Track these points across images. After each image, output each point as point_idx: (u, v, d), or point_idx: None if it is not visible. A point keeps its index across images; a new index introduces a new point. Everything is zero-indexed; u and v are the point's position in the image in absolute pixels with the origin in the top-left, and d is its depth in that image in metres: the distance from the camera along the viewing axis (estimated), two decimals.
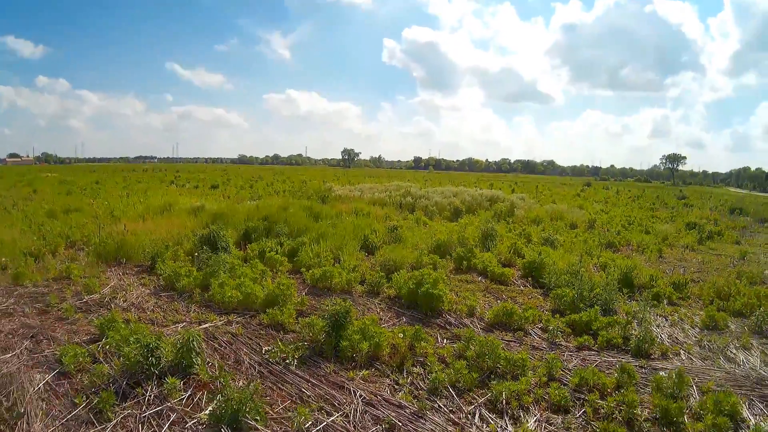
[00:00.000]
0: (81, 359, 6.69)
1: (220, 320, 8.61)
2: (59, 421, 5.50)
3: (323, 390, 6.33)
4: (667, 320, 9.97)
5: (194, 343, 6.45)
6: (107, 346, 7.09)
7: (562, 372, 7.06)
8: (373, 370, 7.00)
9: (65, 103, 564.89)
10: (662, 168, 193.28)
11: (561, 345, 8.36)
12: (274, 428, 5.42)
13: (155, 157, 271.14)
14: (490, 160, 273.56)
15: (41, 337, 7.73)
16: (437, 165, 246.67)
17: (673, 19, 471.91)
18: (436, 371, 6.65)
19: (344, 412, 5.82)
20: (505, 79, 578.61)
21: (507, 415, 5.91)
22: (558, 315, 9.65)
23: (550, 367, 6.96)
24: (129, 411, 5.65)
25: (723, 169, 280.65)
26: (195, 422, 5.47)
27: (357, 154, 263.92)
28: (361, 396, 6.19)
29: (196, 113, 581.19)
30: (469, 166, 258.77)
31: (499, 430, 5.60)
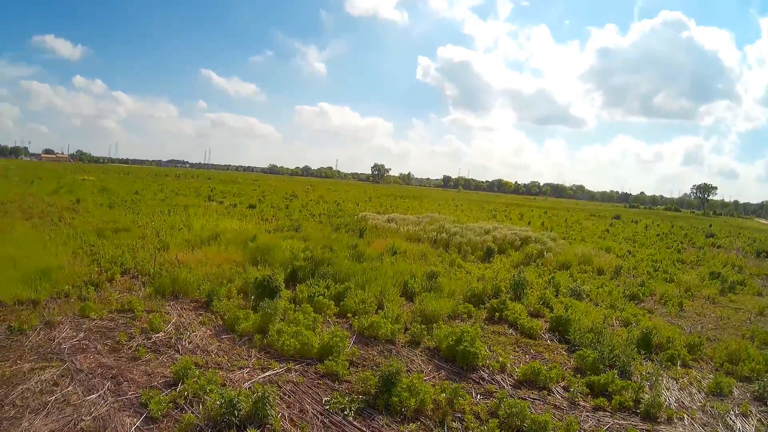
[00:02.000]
0: (164, 404, 7.50)
1: (280, 367, 9.38)
2: None
3: None
4: (677, 383, 10.55)
5: (270, 397, 7.30)
6: (186, 393, 7.90)
7: None
8: (419, 423, 7.79)
9: (100, 104, 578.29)
10: (693, 197, 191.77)
11: (580, 405, 9.07)
12: None
13: (187, 162, 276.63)
14: (519, 182, 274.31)
15: (121, 379, 8.48)
16: (466, 185, 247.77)
17: (710, 45, 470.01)
18: (472, 428, 7.55)
19: None
20: (538, 102, 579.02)
21: None
22: (579, 375, 10.34)
23: (567, 429, 7.75)
24: None
25: (755, 199, 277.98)
26: None
27: (387, 170, 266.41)
28: None
29: (229, 121, 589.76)
30: (498, 187, 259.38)
31: None
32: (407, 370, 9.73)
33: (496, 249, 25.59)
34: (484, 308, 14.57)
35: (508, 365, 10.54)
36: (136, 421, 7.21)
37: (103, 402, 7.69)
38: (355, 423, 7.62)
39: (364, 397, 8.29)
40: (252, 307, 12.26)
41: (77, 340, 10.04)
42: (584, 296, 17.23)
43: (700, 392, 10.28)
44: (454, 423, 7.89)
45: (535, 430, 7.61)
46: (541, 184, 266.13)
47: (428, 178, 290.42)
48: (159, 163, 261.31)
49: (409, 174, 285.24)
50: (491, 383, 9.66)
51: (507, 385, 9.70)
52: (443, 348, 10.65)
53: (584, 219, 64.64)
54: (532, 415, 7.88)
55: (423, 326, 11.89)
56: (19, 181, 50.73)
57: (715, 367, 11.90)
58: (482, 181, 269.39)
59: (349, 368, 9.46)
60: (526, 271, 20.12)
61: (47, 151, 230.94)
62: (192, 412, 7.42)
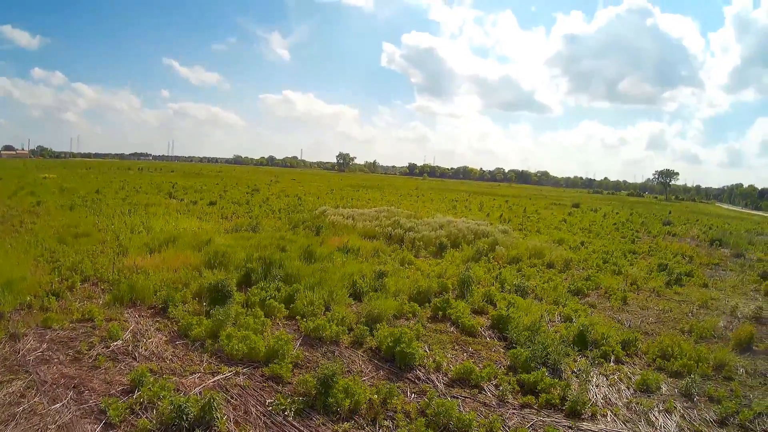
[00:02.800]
0: (121, 411, 8.29)
1: (229, 371, 10.16)
2: None
3: None
4: (606, 380, 11.22)
5: (215, 402, 8.19)
6: (141, 399, 8.68)
7: (502, 429, 8.73)
8: (353, 422, 8.67)
9: (60, 96, 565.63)
10: (655, 182, 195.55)
11: (508, 402, 9.91)
12: None
13: (150, 155, 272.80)
14: (484, 168, 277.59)
15: (82, 388, 9.18)
16: (432, 172, 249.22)
17: (674, 33, 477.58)
18: (402, 426, 8.48)
19: None
20: (503, 88, 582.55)
21: None
22: (512, 373, 11.13)
23: (491, 427, 8.68)
24: None
25: (716, 184, 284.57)
26: None
27: (352, 159, 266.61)
28: None
29: (192, 111, 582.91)
30: (464, 174, 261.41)
31: None
32: (348, 371, 10.62)
33: (449, 244, 26.41)
34: (429, 307, 15.35)
35: (444, 364, 11.34)
36: (97, 428, 7.99)
37: (66, 411, 8.43)
38: (294, 423, 8.50)
39: (304, 398, 9.12)
40: (205, 312, 13.00)
41: (41, 352, 10.67)
42: (529, 292, 18.09)
43: (628, 389, 10.90)
44: (385, 422, 8.76)
45: (460, 428, 8.53)
46: (506, 170, 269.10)
47: (394, 166, 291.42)
48: (122, 156, 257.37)
49: (374, 162, 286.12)
50: (426, 383, 10.49)
51: (441, 384, 10.53)
52: (383, 348, 11.50)
53: (544, 208, 66.02)
54: (458, 414, 8.80)
55: (366, 327, 12.72)
56: None
57: (648, 362, 12.56)
58: (447, 168, 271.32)
59: (293, 370, 10.29)
60: (477, 266, 21.33)
61: (7, 147, 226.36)
62: (146, 418, 8.23)
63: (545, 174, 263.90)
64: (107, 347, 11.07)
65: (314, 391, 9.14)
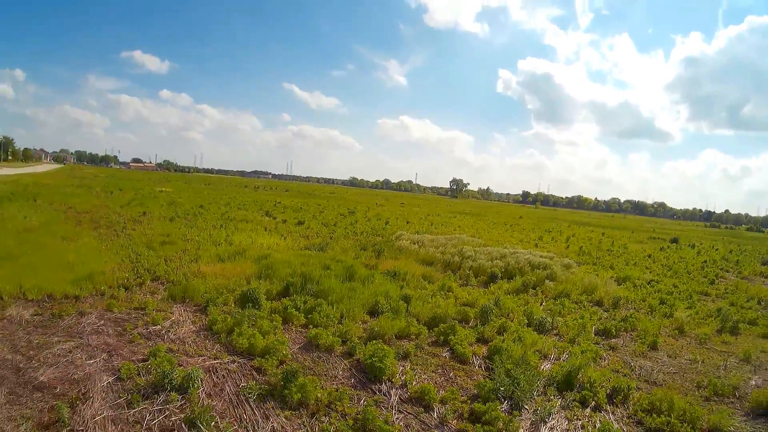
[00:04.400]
0: (131, 371, 11.12)
1: (227, 359, 12.63)
2: (107, 404, 9.83)
3: (256, 417, 10.19)
4: (568, 423, 11.10)
5: (194, 375, 10.76)
6: (149, 366, 11.42)
7: None
8: (297, 412, 10.54)
9: (187, 116, 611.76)
10: None
11: (448, 425, 10.70)
12: None
13: (270, 173, 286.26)
14: (599, 198, 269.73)
15: (114, 353, 12.19)
16: (545, 201, 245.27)
17: None
18: (333, 422, 10.25)
19: None
20: (622, 115, 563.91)
21: None
22: (470, 401, 11.69)
23: None
24: (145, 406, 9.94)
25: None
26: (177, 419, 9.60)
27: (465, 185, 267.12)
28: (272, 425, 9.98)
29: (310, 133, 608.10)
30: (578, 203, 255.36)
31: None
32: (324, 375, 12.50)
33: (500, 275, 27.06)
34: (436, 331, 16.26)
35: (412, 383, 12.41)
36: (110, 379, 10.89)
37: (95, 365, 11.45)
38: (252, 404, 10.65)
39: (268, 388, 11.23)
40: (232, 315, 15.46)
41: (97, 326, 13.88)
42: (550, 328, 18.09)
43: None
44: (323, 417, 10.48)
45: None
46: (622, 201, 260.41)
47: (508, 194, 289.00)
48: (243, 173, 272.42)
49: (488, 189, 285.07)
50: (383, 396, 11.77)
51: (395, 398, 11.70)
52: (362, 360, 13.13)
53: (637, 242, 63.26)
54: (382, 424, 10.12)
55: (361, 341, 14.51)
56: (99, 192, 56.50)
57: (630, 415, 11.82)
58: (562, 197, 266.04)
59: (278, 366, 12.39)
60: (514, 298, 21.91)
61: (135, 160, 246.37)
62: (144, 378, 10.95)
63: (662, 205, 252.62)
64: (146, 329, 14.02)
65: (278, 384, 11.20)
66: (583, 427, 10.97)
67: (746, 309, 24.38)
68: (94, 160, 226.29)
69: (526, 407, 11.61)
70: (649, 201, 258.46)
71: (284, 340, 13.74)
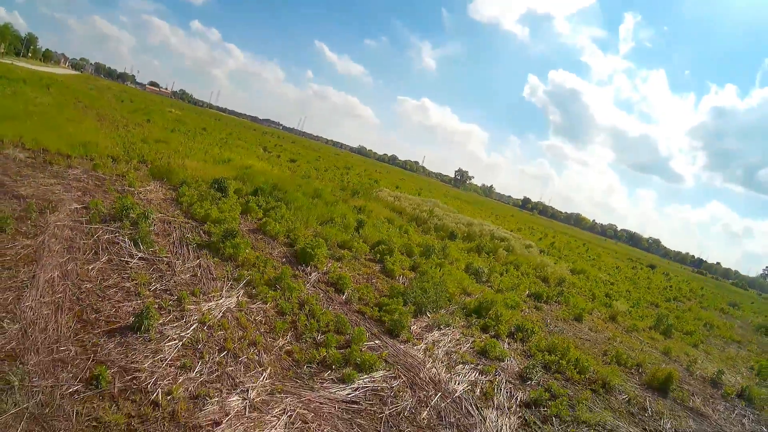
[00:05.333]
0: (98, 205, 13.08)
1: (182, 219, 14.65)
2: (69, 218, 11.92)
3: (190, 257, 12.22)
4: (458, 335, 12.74)
5: (149, 214, 12.98)
6: (114, 204, 13.46)
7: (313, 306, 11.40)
8: (224, 261, 12.47)
9: (213, 52, 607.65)
10: (766, 279, 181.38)
11: (350, 305, 12.56)
12: (148, 252, 11.53)
13: (281, 125, 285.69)
14: (597, 221, 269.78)
15: (88, 194, 14.28)
16: (543, 211, 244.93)
17: None
18: (250, 272, 12.21)
19: (183, 261, 11.80)
20: (639, 147, 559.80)
21: (251, 298, 11.31)
22: (385, 298, 13.33)
23: (305, 299, 12.21)
24: (100, 226, 12.04)
25: None
26: (120, 237, 11.70)
27: (470, 177, 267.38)
28: (201, 263, 12.03)
29: (331, 95, 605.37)
30: (575, 221, 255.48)
31: (235, 298, 11.37)
32: (264, 252, 14.29)
33: (460, 235, 28.61)
34: (375, 251, 18.08)
35: (333, 272, 14.35)
36: (78, 206, 12.98)
37: (68, 197, 13.54)
38: (190, 249, 12.67)
39: (208, 242, 13.25)
40: (198, 195, 17.36)
41: (80, 177, 15.98)
42: (484, 279, 19.99)
43: (472, 349, 12.14)
44: (245, 270, 12.28)
45: (283, 288, 11.75)
46: (619, 228, 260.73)
47: (510, 196, 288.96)
48: (255, 119, 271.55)
49: (491, 187, 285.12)
50: (305, 274, 13.68)
51: (314, 277, 13.67)
52: (298, 249, 14.89)
53: (613, 258, 64.50)
54: (289, 281, 12.12)
55: (306, 236, 16.39)
56: (111, 98, 57.83)
57: (526, 349, 13.34)
58: (561, 212, 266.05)
59: (221, 233, 14.00)
60: (467, 255, 23.78)
61: (152, 84, 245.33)
62: (107, 211, 13.03)
63: (657, 242, 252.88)
64: (122, 188, 16.08)
65: (216, 240, 13.24)
66: (472, 342, 12.52)
67: (689, 324, 25.51)
68: (111, 74, 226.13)
69: (428, 315, 13.47)
70: (646, 235, 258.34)
71: (236, 217, 15.85)
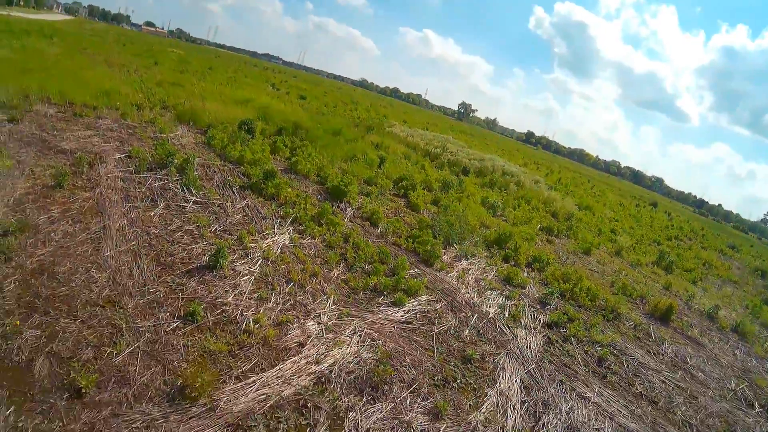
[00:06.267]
0: (140, 154, 13.54)
1: (220, 163, 15.14)
2: (118, 168, 12.42)
3: (236, 197, 12.90)
4: (484, 263, 14.01)
5: (192, 159, 13.44)
6: (155, 152, 13.86)
7: (364, 246, 12.26)
8: (268, 201, 13.26)
9: None
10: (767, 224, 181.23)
11: (386, 238, 13.65)
12: (199, 195, 12.16)
13: (280, 59, 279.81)
14: (600, 157, 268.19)
15: (125, 143, 14.64)
16: (547, 146, 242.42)
17: None
18: (294, 210, 12.96)
19: (233, 203, 12.46)
20: (646, 84, 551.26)
21: (300, 234, 12.16)
22: (410, 229, 14.70)
23: (349, 233, 12.97)
24: (147, 174, 12.58)
25: None
26: (171, 184, 12.27)
27: (473, 111, 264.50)
28: (248, 202, 12.76)
29: (332, 28, 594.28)
30: (578, 157, 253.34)
31: (287, 234, 12.08)
32: (300, 189, 14.96)
33: (472, 170, 29.37)
34: (399, 186, 18.97)
35: (365, 207, 15.26)
36: (121, 155, 13.45)
37: (109, 147, 13.96)
38: (234, 190, 13.33)
39: (250, 182, 13.88)
40: (228, 136, 17.77)
41: (112, 127, 16.20)
42: (499, 212, 21.01)
43: (495, 276, 13.43)
44: (288, 208, 13.11)
45: (327, 224, 12.71)
46: (622, 165, 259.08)
47: (513, 130, 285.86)
48: (254, 54, 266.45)
49: (494, 120, 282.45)
50: (341, 210, 14.55)
51: (349, 213, 14.59)
52: (330, 186, 15.58)
53: (616, 194, 64.52)
54: (331, 216, 13.06)
55: (335, 172, 17.09)
56: (112, 42, 56.69)
57: (542, 278, 14.63)
58: (564, 147, 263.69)
59: (261, 175, 14.64)
60: (481, 189, 24.60)
61: (148, 24, 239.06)
62: (150, 158, 13.47)
63: (660, 181, 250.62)
64: (154, 135, 16.37)
65: (257, 180, 13.85)
66: (496, 271, 13.85)
67: (689, 261, 26.50)
68: (105, 16, 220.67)
69: (455, 246, 14.60)
70: (649, 173, 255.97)
71: (270, 158, 16.39)
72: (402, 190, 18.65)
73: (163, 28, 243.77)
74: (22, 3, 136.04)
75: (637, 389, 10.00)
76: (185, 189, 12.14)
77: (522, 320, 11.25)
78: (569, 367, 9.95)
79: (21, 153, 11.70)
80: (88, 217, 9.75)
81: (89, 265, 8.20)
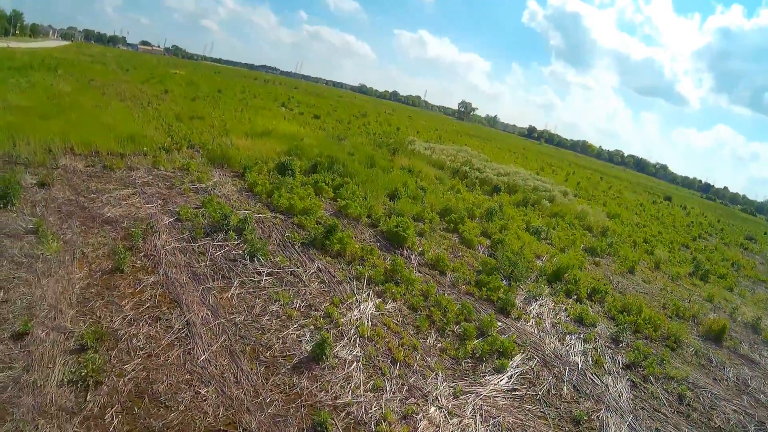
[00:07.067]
0: (189, 214, 12.56)
1: (270, 215, 14.20)
2: (173, 238, 11.37)
3: (302, 259, 11.94)
4: (552, 304, 13.42)
5: (249, 219, 12.36)
6: (204, 211, 12.90)
7: (435, 295, 11.78)
8: (336, 259, 12.41)
9: (202, 3, 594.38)
10: None
11: (458, 288, 12.94)
12: (268, 264, 11.19)
13: (278, 69, 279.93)
14: (603, 147, 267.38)
15: (168, 201, 13.66)
16: (549, 139, 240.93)
17: None
18: (367, 270, 12.04)
19: (305, 269, 11.48)
20: (644, 70, 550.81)
21: (381, 298, 11.17)
22: (476, 273, 13.97)
23: (428, 291, 11.96)
24: (206, 241, 11.53)
25: None
26: (235, 253, 11.30)
27: (474, 109, 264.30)
28: (318, 266, 11.75)
29: (327, 35, 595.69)
30: (582, 149, 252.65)
31: (370, 302, 10.85)
32: (357, 237, 14.17)
33: (504, 188, 28.69)
34: (447, 219, 18.16)
35: (428, 253, 14.47)
36: (171, 219, 12.39)
37: (154, 209, 12.92)
38: (297, 249, 12.41)
39: (311, 239, 12.93)
40: (270, 181, 16.98)
41: (147, 179, 15.23)
42: (544, 236, 20.41)
43: (567, 316, 12.95)
44: (358, 266, 12.37)
45: (406, 283, 11.92)
46: (626, 154, 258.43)
47: (515, 125, 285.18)
48: (251, 66, 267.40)
49: (495, 117, 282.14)
50: (405, 258, 13.75)
51: (415, 261, 13.88)
52: (387, 230, 14.83)
53: (631, 192, 64.19)
54: (408, 274, 12.23)
55: (385, 216, 16.17)
56: (116, 68, 55.63)
57: (605, 311, 14.18)
58: (567, 139, 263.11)
59: (315, 225, 13.88)
60: (516, 210, 23.87)
61: (144, 43, 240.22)
62: (203, 219, 12.50)
63: (664, 167, 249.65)
64: (193, 185, 15.45)
65: (319, 235, 12.91)
66: (565, 310, 13.39)
67: (719, 265, 26.30)
68: (102, 39, 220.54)
69: (521, 287, 13.99)
70: (652, 161, 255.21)
71: (320, 204, 15.46)
72: (451, 224, 17.93)
73: (159, 46, 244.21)
74: (18, 32, 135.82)
75: (715, 423, 9.95)
76: (252, 258, 11.19)
77: (605, 365, 11.01)
78: (658, 411, 9.83)
79: (64, 229, 10.73)
80: (164, 310, 8.75)
81: (189, 376, 7.21)
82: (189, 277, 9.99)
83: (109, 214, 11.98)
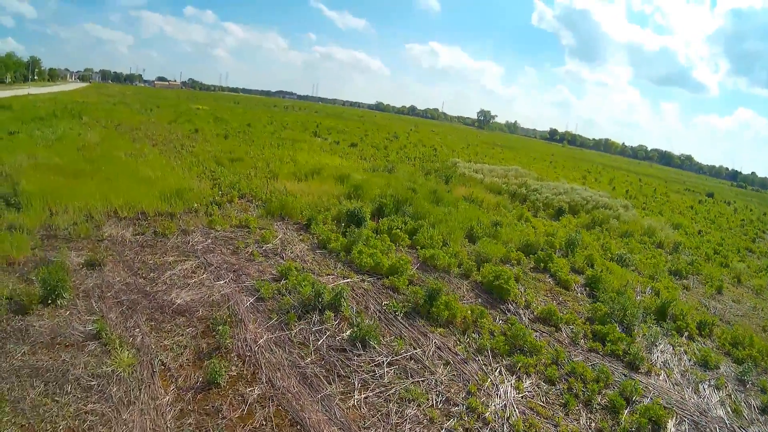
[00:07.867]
0: (271, 290, 10.80)
1: (357, 278, 12.48)
2: (262, 326, 9.55)
3: (414, 334, 10.15)
4: (672, 348, 12.20)
5: (344, 293, 10.51)
6: (287, 285, 11.13)
7: (565, 360, 10.31)
8: (447, 329, 10.68)
9: (212, 34, 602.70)
10: None
11: (579, 344, 11.37)
12: (383, 350, 9.34)
13: (295, 94, 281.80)
14: (626, 144, 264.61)
15: (240, 272, 11.86)
16: (572, 141, 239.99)
17: None
18: (484, 339, 10.38)
19: (423, 349, 9.65)
20: (658, 60, 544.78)
21: (515, 375, 9.45)
22: (589, 323, 12.48)
23: (557, 356, 10.33)
24: (302, 326, 9.71)
25: None
26: (340, 338, 9.46)
27: (493, 117, 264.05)
28: (434, 342, 9.96)
29: (338, 54, 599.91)
30: (605, 147, 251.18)
31: (506, 382, 9.17)
32: (463, 297, 12.54)
33: (567, 209, 27.24)
34: (534, 258, 16.58)
35: (533, 304, 12.90)
36: (251, 299, 10.56)
37: (227, 286, 11.09)
38: (401, 321, 10.65)
39: (413, 306, 11.21)
40: (342, 233, 15.35)
41: (206, 244, 13.49)
42: (629, 264, 18.79)
43: (689, 360, 11.85)
44: (473, 334, 10.72)
45: (532, 351, 10.29)
46: (649, 148, 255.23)
47: (535, 129, 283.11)
48: (268, 93, 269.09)
49: (515, 123, 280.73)
50: (514, 314, 12.18)
51: (526, 318, 12.18)
52: (485, 282, 13.23)
53: (674, 192, 62.88)
54: (532, 340, 10.57)
55: (474, 264, 14.53)
56: (139, 109, 54.94)
57: (718, 345, 13.11)
58: (589, 139, 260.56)
59: (407, 285, 12.30)
60: (588, 234, 22.11)
61: (160, 78, 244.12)
62: (290, 297, 10.67)
63: (689, 158, 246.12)
64: (260, 247, 13.71)
65: (422, 301, 11.18)
66: (685, 353, 12.23)
67: None
68: (118, 78, 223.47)
69: (635, 331, 12.57)
70: (676, 152, 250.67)
71: (408, 259, 13.62)
72: (541, 264, 16.28)
73: (175, 80, 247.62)
74: (36, 78, 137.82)
75: None
76: (364, 345, 9.43)
77: (743, 412, 10.08)
78: None
79: (131, 328, 8.92)
80: (283, 428, 7.04)
81: None
82: (299, 382, 8.16)
83: (178, 301, 10.19)
